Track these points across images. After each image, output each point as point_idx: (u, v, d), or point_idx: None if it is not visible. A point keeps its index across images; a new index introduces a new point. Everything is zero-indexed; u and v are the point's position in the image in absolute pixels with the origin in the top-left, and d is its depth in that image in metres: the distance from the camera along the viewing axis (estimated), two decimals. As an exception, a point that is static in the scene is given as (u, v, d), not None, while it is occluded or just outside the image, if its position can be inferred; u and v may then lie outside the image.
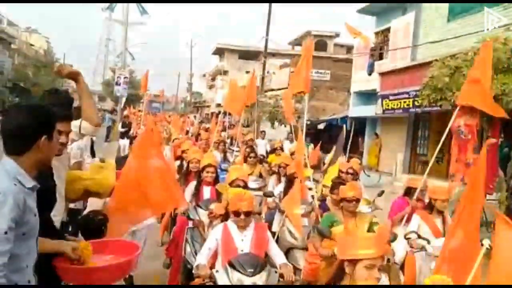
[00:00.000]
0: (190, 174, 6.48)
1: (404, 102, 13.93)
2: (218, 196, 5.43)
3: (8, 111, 2.27)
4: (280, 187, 6.95)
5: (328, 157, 11.52)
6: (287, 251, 5.55)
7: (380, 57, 17.65)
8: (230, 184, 5.18)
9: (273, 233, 5.59)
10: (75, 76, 3.17)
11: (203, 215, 5.18)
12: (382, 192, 7.39)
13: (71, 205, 4.11)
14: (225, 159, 10.38)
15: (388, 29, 17.00)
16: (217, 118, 17.03)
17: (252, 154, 8.96)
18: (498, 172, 9.41)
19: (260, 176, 8.59)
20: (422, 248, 4.89)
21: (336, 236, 4.36)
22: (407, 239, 5.02)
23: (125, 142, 17.01)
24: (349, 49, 29.95)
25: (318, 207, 6.02)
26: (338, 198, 5.00)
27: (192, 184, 5.82)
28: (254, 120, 23.07)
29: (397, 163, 15.84)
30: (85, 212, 5.17)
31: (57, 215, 2.93)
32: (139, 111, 29.02)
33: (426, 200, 6.16)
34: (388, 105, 14.94)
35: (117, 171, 3.87)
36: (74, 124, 3.11)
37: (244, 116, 22.98)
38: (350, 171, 7.25)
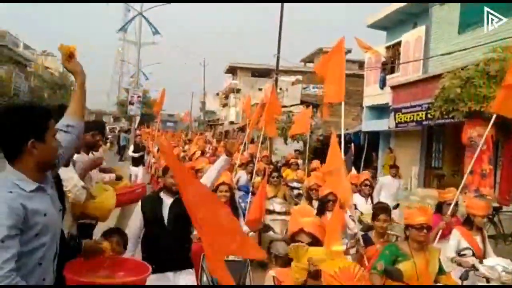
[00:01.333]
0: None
1: (417, 115, 13.85)
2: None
3: None
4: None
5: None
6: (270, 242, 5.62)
7: (392, 71, 17.65)
8: (215, 190, 5.00)
9: None
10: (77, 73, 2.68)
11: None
12: (397, 205, 7.28)
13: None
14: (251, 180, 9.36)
15: (399, 43, 17.01)
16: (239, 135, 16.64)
17: (275, 174, 8.10)
18: (514, 184, 9.29)
19: (285, 198, 7.82)
20: (472, 267, 4.37)
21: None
22: (462, 255, 4.58)
23: (137, 170, 14.18)
24: (361, 64, 29.97)
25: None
26: (384, 226, 4.44)
27: None
28: (267, 136, 23.10)
29: (412, 177, 15.70)
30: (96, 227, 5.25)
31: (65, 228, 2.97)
32: (154, 130, 29.28)
33: (459, 215, 5.86)
34: (401, 119, 14.87)
35: (118, 195, 3.92)
36: None
37: (256, 133, 23.06)
38: (367, 182, 7.05)
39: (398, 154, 16.75)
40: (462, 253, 4.53)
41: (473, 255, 4.50)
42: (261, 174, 9.15)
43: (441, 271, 3.77)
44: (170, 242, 3.89)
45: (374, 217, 4.51)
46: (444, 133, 14.51)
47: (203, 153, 13.17)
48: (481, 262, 4.28)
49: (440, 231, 5.30)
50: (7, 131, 2.10)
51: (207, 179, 4.22)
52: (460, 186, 5.80)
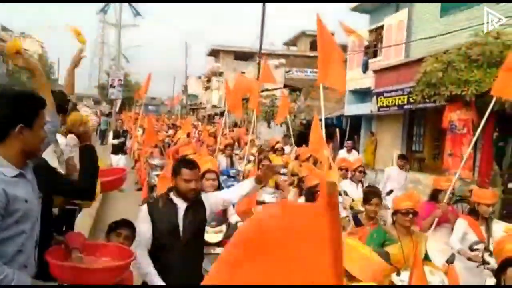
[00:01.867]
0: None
1: (399, 99, 13.93)
2: (223, 211, 4.52)
3: None
4: (302, 199, 5.93)
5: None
6: None
7: (374, 55, 17.68)
8: (201, 177, 4.47)
9: None
10: (33, 69, 2.80)
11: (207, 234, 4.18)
12: (391, 191, 6.76)
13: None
14: (232, 164, 9.29)
15: (381, 27, 17.01)
16: (220, 120, 16.50)
17: (265, 161, 7.73)
18: (493, 167, 9.45)
19: (277, 187, 7.36)
20: (484, 263, 4.18)
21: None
22: (474, 250, 4.33)
23: (118, 159, 13.11)
24: (344, 48, 30.03)
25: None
26: (375, 210, 4.47)
27: None
28: (250, 120, 23.08)
29: (393, 161, 15.83)
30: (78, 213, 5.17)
31: None
32: (137, 113, 28.89)
33: (455, 206, 5.70)
34: (383, 103, 14.94)
35: (103, 180, 3.81)
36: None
37: (240, 117, 23.03)
38: (361, 169, 6.90)
39: (380, 138, 16.88)
40: (474, 247, 4.36)
41: (485, 249, 4.35)
42: (252, 160, 8.93)
43: (426, 257, 3.85)
44: (184, 256, 3.33)
45: (366, 201, 4.55)
46: (425, 117, 14.64)
47: (188, 135, 13.13)
48: (491, 255, 4.08)
49: (436, 219, 5.15)
50: (0, 114, 2.11)
51: (229, 196, 3.76)
52: (458, 174, 5.73)
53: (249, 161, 9.07)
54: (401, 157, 8.96)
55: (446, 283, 3.53)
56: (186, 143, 9.30)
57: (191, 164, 3.47)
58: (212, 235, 4.93)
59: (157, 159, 10.47)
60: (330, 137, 13.88)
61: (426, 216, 5.21)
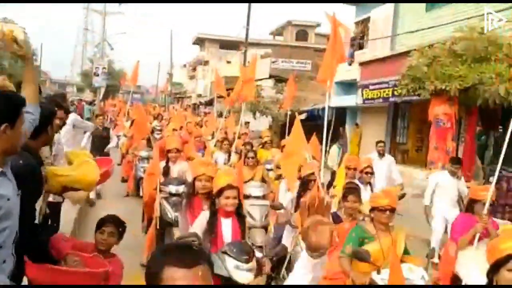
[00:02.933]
0: (196, 197, 4.42)
1: (384, 91, 14.03)
2: (243, 233, 3.90)
3: None
4: (291, 194, 5.72)
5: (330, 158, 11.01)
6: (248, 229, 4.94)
7: (360, 47, 17.73)
8: (218, 194, 3.89)
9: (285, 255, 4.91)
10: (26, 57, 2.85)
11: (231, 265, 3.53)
12: (403, 195, 6.36)
13: (50, 198, 4.03)
14: (230, 160, 8.87)
15: (368, 19, 17.05)
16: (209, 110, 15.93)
17: (251, 154, 7.58)
18: (475, 161, 9.61)
19: (263, 181, 7.23)
20: None
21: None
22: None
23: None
24: (329, 39, 30.05)
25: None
26: (353, 207, 4.45)
27: (204, 215, 3.86)
28: (236, 111, 23.01)
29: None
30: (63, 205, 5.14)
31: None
32: (121, 101, 28.45)
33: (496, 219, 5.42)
34: (368, 95, 15.03)
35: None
36: None
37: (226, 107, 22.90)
38: (369, 170, 6.36)
39: (365, 130, 17.01)
40: None
41: None
42: (238, 153, 8.71)
43: (406, 251, 3.89)
44: None
45: (344, 198, 4.55)
46: (410, 110, 14.78)
47: (181, 128, 12.55)
48: None
49: (478, 235, 4.46)
50: None
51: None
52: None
53: (236, 153, 8.89)
54: (455, 161, 7.41)
55: (427, 279, 3.58)
56: (172, 136, 8.86)
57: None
58: (256, 189, 6.48)
59: (144, 150, 10.28)
60: (335, 134, 13.88)
61: (462, 230, 4.57)
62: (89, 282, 2.77)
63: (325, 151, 6.88)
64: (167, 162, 6.63)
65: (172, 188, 6.04)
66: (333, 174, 8.31)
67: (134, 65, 17.22)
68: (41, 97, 3.82)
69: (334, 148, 12.22)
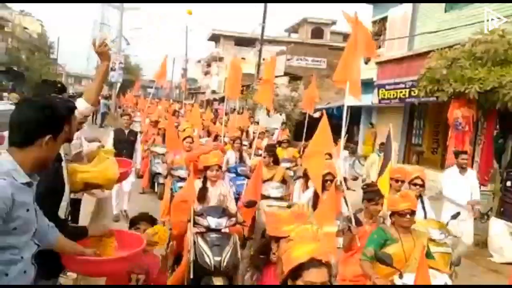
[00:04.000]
0: (270, 266, 3.56)
1: (401, 92, 13.94)
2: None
3: (20, 103, 2.26)
4: (309, 193, 5.69)
5: (367, 166, 10.45)
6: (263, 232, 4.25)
7: (378, 47, 17.60)
8: (206, 168, 5.02)
9: None
10: (104, 57, 3.25)
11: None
12: (458, 214, 5.61)
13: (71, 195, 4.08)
14: (241, 160, 8.44)
15: (385, 18, 16.92)
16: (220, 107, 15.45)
17: (271, 154, 7.24)
18: (493, 164, 9.49)
19: (283, 181, 6.99)
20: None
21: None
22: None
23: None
24: (346, 37, 29.85)
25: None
26: (376, 210, 4.35)
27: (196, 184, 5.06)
28: (249, 108, 23.03)
29: (393, 152, 15.89)
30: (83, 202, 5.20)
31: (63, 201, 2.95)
32: (137, 97, 28.50)
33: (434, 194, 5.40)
34: (384, 95, 14.95)
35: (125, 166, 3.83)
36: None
37: (239, 104, 22.94)
38: (419, 182, 5.52)
39: (379, 130, 16.91)
40: None
41: None
42: (259, 155, 8.40)
43: (428, 255, 3.85)
44: None
45: (370, 200, 4.40)
46: (426, 111, 14.67)
47: (209, 132, 12.11)
48: None
49: None
50: (32, 121, 2.11)
51: None
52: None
53: (257, 155, 8.56)
54: (462, 153, 7.15)
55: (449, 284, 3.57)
56: (211, 149, 6.31)
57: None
58: (274, 190, 6.30)
59: (159, 146, 10.29)
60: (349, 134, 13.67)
61: None
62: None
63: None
64: (204, 183, 5.26)
65: (212, 222, 4.57)
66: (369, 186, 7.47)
67: (162, 61, 16.22)
68: (65, 94, 3.88)
69: (373, 156, 10.81)
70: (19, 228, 2.06)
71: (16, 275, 2.08)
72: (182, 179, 6.93)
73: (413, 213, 3.83)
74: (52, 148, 2.19)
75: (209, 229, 4.51)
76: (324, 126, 4.94)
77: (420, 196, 5.48)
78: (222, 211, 4.70)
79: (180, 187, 6.51)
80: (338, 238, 4.57)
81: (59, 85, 3.60)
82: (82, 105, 3.23)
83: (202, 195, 5.11)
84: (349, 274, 3.96)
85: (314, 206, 5.31)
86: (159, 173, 9.81)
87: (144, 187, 10.52)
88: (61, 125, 2.21)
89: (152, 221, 3.63)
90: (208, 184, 5.22)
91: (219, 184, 5.28)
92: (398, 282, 3.50)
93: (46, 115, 2.14)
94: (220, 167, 5.35)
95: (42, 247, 2.29)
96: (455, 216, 5.23)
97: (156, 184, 10.05)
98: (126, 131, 8.18)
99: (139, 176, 11.15)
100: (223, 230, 4.56)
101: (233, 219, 4.65)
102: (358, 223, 4.45)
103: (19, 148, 2.10)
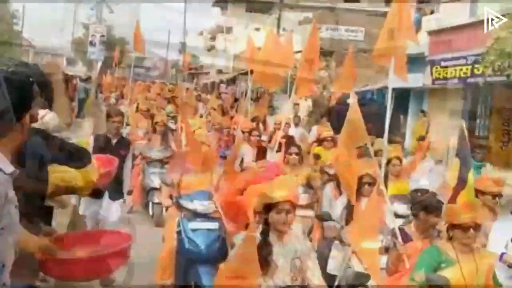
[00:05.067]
0: None
1: (461, 69, 13.85)
2: None
3: None
4: (343, 199, 5.51)
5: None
6: None
7: (431, 11, 17.49)
8: (274, 206, 3.57)
9: (330, 276, 4.77)
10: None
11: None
12: None
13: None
14: (261, 157, 8.52)
15: (440, -25, 16.81)
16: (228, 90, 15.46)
17: (294, 150, 7.01)
18: None
19: (309, 186, 6.87)
20: None
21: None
22: None
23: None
24: (388, 0, 29.68)
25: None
26: (434, 223, 4.31)
27: None
28: (265, 91, 22.98)
29: (450, 149, 15.78)
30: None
31: None
32: (119, 78, 28.54)
33: None
34: (439, 74, 14.86)
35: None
36: None
37: (252, 87, 22.89)
38: (496, 190, 5.42)
39: (434, 119, 16.80)
40: None
41: None
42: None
43: (495, 281, 3.82)
44: None
45: (430, 211, 4.34)
46: (493, 95, 14.53)
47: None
48: None
49: None
50: (9, 104, 2.16)
51: None
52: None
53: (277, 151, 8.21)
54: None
55: None
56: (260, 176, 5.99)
57: None
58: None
59: (156, 149, 9.26)
60: (369, 117, 13.64)
61: None
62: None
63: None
64: (264, 236, 3.72)
65: (198, 205, 5.49)
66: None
67: (134, 27, 16.01)
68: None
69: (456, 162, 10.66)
70: (6, 228, 2.12)
71: None
72: (202, 216, 5.59)
73: (477, 227, 3.75)
74: (27, 127, 2.31)
75: (195, 214, 4.92)
76: (354, 114, 4.82)
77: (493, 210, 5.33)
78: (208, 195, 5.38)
79: (195, 230, 5.32)
80: (381, 257, 4.54)
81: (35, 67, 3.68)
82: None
83: (264, 259, 3.55)
84: None
85: (349, 216, 5.25)
86: (155, 188, 8.75)
87: (133, 204, 9.48)
88: (29, 99, 2.33)
89: None
90: (273, 237, 3.71)
91: (292, 237, 3.81)
92: None
93: (22, 94, 2.24)
94: (294, 205, 3.76)
95: None
96: None
97: (150, 204, 9.05)
98: (114, 140, 6.74)
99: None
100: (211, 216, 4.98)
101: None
102: (406, 238, 4.40)
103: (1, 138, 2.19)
